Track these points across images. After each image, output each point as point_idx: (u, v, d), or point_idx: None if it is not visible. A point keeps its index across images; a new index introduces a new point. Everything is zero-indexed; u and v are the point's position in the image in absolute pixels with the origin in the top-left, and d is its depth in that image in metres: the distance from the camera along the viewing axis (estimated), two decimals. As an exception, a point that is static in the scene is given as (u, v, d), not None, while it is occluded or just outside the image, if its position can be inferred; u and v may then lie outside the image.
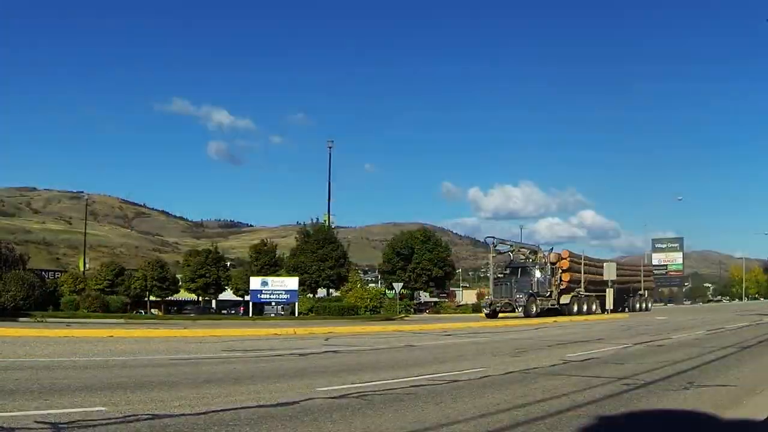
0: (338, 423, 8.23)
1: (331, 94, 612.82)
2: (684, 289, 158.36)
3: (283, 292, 57.87)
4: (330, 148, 64.00)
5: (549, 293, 53.80)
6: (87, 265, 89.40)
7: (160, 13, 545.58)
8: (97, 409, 8.47)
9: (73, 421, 7.63)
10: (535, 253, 56.95)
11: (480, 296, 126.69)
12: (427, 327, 35.46)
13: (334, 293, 71.51)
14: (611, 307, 59.59)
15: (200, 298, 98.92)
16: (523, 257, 56.92)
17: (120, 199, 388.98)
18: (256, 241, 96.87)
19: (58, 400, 9.19)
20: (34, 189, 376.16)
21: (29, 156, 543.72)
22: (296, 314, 55.02)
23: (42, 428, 7.25)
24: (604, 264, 64.50)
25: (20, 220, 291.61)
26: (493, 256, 56.59)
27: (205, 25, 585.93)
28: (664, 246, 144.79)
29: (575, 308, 54.97)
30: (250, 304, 60.47)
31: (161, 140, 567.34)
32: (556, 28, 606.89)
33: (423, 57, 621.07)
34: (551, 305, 53.71)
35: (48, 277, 63.06)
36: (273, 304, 58.89)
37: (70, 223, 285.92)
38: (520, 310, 49.95)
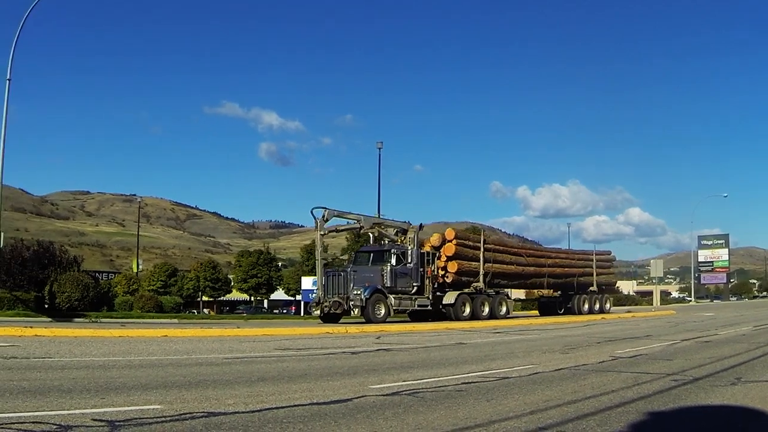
0: (390, 420, 8.21)
1: (380, 96, 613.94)
2: (730, 286, 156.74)
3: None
4: (379, 149, 63.52)
5: (415, 288, 38.70)
6: (140, 267, 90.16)
7: (208, 18, 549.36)
8: (152, 407, 8.53)
9: (129, 419, 7.67)
10: (404, 232, 40.74)
11: (529, 294, 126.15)
12: (476, 325, 35.31)
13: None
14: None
15: (252, 298, 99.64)
16: (390, 239, 42.19)
17: (172, 202, 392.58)
18: (307, 242, 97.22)
19: (114, 398, 9.27)
20: (88, 193, 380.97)
21: (83, 161, 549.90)
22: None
23: (99, 426, 7.30)
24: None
25: (74, 223, 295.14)
26: (322, 234, 38.25)
27: (252, 29, 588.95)
28: (710, 243, 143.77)
29: (466, 310, 40.00)
30: (302, 303, 60.64)
31: (212, 143, 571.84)
32: (600, 29, 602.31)
33: (471, 60, 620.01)
34: (420, 305, 38.86)
35: (102, 279, 63.76)
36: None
37: (123, 226, 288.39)
38: (357, 311, 35.55)
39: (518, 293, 72.82)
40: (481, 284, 41.66)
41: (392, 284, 37.06)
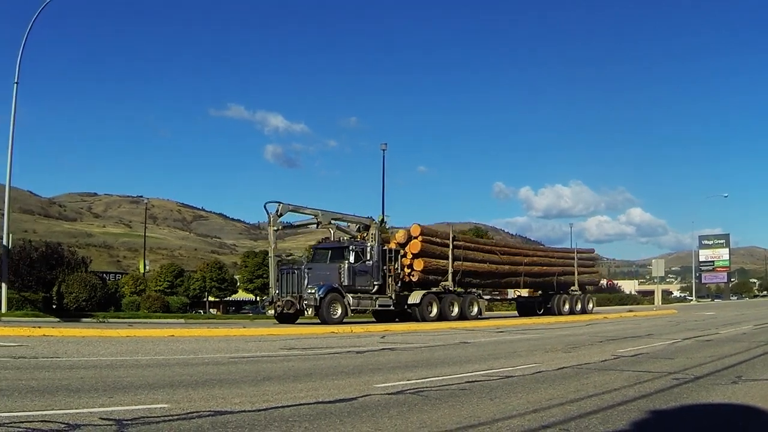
0: (395, 418, 8.24)
1: (384, 98, 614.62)
2: (730, 285, 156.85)
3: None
4: (383, 150, 63.46)
5: (376, 287, 36.17)
6: (147, 267, 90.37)
7: (213, 22, 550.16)
8: (159, 406, 8.56)
9: (137, 418, 7.70)
10: (367, 228, 38.29)
11: (532, 293, 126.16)
12: (480, 324, 35.32)
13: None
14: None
15: (258, 298, 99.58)
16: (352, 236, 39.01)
17: (178, 203, 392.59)
18: (312, 242, 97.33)
19: (122, 397, 9.30)
20: (95, 194, 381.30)
21: (90, 163, 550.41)
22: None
23: (106, 425, 7.33)
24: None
25: (82, 225, 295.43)
26: (275, 230, 36.08)
27: (257, 33, 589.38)
28: (710, 242, 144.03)
29: (432, 310, 37.65)
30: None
31: (218, 145, 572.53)
32: (601, 30, 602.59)
33: (474, 61, 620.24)
34: (382, 305, 36.36)
35: (109, 279, 63.87)
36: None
37: (130, 227, 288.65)
38: (310, 311, 33.33)
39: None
40: (449, 283, 39.29)
41: (350, 283, 34.79)
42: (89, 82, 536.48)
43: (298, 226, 40.63)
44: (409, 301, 37.23)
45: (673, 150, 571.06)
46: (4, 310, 33.07)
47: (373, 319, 38.41)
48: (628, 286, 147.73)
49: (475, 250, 42.85)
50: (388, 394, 10.18)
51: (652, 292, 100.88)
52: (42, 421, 7.35)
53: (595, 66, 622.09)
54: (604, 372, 13.45)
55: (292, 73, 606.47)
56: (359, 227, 38.92)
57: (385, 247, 37.40)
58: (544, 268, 48.08)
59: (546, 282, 48.47)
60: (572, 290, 50.01)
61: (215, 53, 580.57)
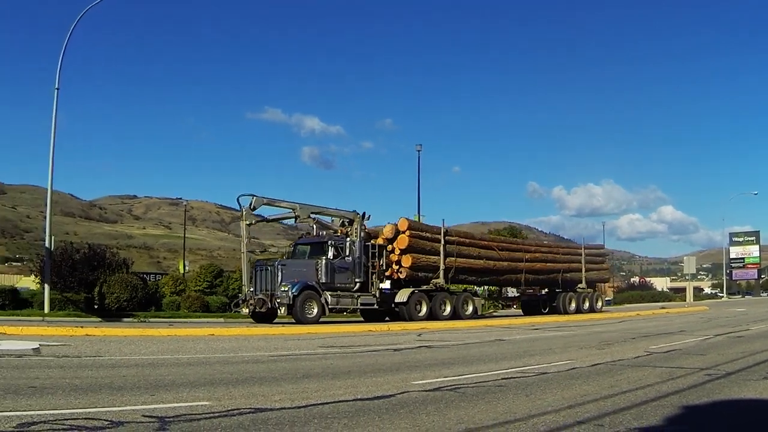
0: (433, 415, 8.23)
1: (418, 100, 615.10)
2: (761, 281, 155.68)
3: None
4: (419, 151, 63.36)
5: (358, 285, 34.09)
6: (187, 268, 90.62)
7: (249, 26, 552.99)
8: (201, 403, 8.58)
9: (179, 415, 7.73)
10: (351, 223, 35.81)
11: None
12: (515, 321, 35.27)
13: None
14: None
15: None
16: (335, 230, 36.99)
17: (217, 205, 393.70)
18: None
19: (164, 395, 9.34)
20: (135, 197, 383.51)
21: (130, 166, 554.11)
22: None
23: (149, 422, 7.35)
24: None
25: (122, 227, 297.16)
26: (248, 224, 33.70)
27: (293, 38, 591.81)
28: (741, 240, 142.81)
29: (422, 309, 35.31)
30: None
31: (256, 147, 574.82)
32: (629, 30, 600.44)
33: (509, 63, 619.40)
34: (364, 303, 34.27)
35: (150, 280, 64.13)
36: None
37: (170, 228, 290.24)
38: (283, 310, 31.11)
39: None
40: (441, 280, 36.93)
41: (328, 280, 32.70)
42: (128, 87, 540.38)
43: (274, 220, 39.99)
44: (396, 300, 35.22)
45: (704, 148, 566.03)
46: (47, 310, 33.24)
47: (361, 319, 36.28)
48: (660, 284, 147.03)
49: (471, 246, 40.35)
50: (426, 390, 10.18)
51: (683, 289, 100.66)
52: (86, 418, 7.39)
53: (625, 65, 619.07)
54: (638, 368, 13.46)
55: (328, 76, 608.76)
56: (343, 222, 36.58)
57: (369, 243, 35.33)
58: (548, 264, 45.36)
59: (550, 279, 45.85)
60: (579, 288, 47.42)
61: (252, 57, 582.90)
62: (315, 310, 31.44)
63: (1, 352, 14.36)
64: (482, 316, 39.89)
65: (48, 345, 16.37)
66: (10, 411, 7.62)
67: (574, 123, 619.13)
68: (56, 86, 37.03)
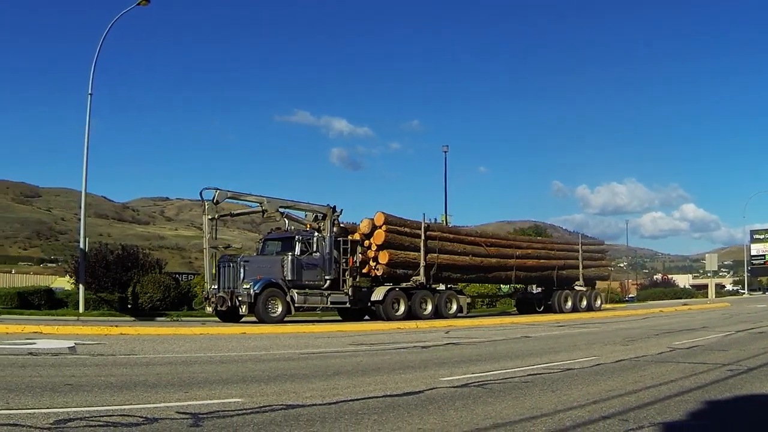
0: (461, 410, 8.25)
1: (444, 102, 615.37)
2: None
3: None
4: (445, 152, 63.24)
5: (328, 282, 31.95)
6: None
7: (276, 30, 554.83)
8: (233, 400, 8.63)
9: (212, 412, 7.77)
10: (325, 218, 33.56)
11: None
12: (540, 319, 35.17)
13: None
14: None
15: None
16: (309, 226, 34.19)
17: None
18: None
19: (197, 392, 9.39)
20: (167, 199, 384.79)
21: (162, 169, 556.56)
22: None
23: (183, 418, 7.40)
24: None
25: (154, 228, 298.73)
26: (210, 219, 31.29)
27: (319, 42, 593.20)
28: (762, 237, 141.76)
29: (399, 308, 33.37)
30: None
31: (284, 149, 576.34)
32: (654, 25, 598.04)
33: (531, 66, 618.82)
34: (335, 302, 32.38)
35: (182, 280, 64.39)
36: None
37: (201, 229, 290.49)
38: (244, 308, 29.05)
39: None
40: (421, 278, 34.86)
41: (295, 277, 30.55)
42: (159, 91, 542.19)
43: (239, 215, 37.95)
44: (372, 298, 33.30)
45: (724, 146, 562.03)
46: (82, 310, 33.30)
47: (338, 318, 34.87)
48: (682, 281, 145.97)
49: (455, 242, 37.92)
50: (454, 387, 10.22)
51: (705, 286, 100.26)
52: (121, 415, 7.45)
53: (642, 64, 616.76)
54: (661, 364, 13.50)
55: (355, 78, 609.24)
56: (316, 217, 34.07)
57: (341, 239, 33.10)
58: (542, 261, 42.93)
59: (544, 276, 43.45)
60: (577, 286, 44.81)
61: (280, 61, 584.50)
62: (279, 309, 29.62)
63: (38, 350, 14.48)
64: (470, 316, 37.97)
65: (83, 344, 16.47)
66: (48, 408, 7.68)
67: (597, 122, 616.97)
68: (89, 91, 37.29)
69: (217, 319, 30.26)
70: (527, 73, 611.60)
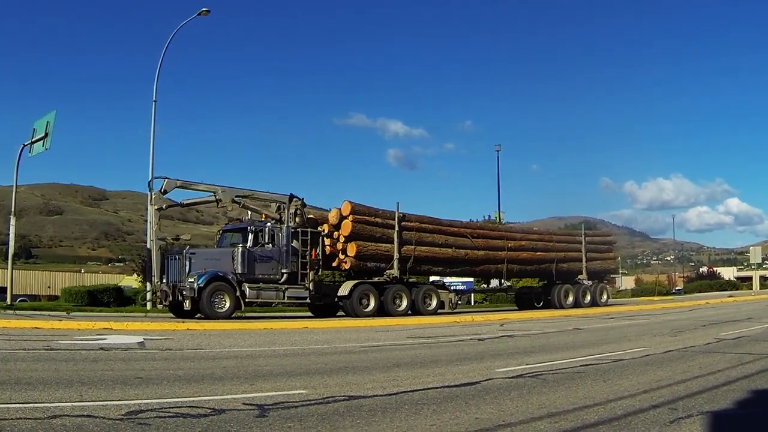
0: (516, 400, 8.28)
1: (496, 103, 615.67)
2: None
3: (460, 284, 57.82)
4: (498, 151, 63.27)
5: (285, 276, 29.58)
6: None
7: (334, 38, 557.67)
8: (297, 392, 8.70)
9: (277, 403, 7.86)
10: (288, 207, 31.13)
11: (638, 282, 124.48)
12: (590, 311, 34.96)
13: (506, 283, 71.13)
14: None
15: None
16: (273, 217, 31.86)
17: (309, 206, 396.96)
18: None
19: (262, 384, 9.49)
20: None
21: (222, 171, 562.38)
22: (472, 303, 54.78)
23: (249, 409, 7.49)
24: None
25: (218, 228, 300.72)
26: (157, 209, 30.01)
27: (376, 46, 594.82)
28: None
29: (369, 304, 31.21)
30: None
31: (343, 150, 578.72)
32: (699, 22, 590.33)
33: (579, 66, 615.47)
34: (293, 297, 29.97)
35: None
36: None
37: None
38: (187, 303, 27.11)
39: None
40: (395, 271, 32.25)
41: (246, 270, 28.42)
42: (219, 98, 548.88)
43: (189, 205, 35.23)
44: (339, 293, 31.16)
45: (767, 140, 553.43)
46: (149, 307, 33.61)
47: (308, 314, 32.95)
48: (727, 273, 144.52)
49: (434, 233, 34.96)
50: (509, 377, 10.24)
51: (750, 278, 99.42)
52: (190, 406, 7.55)
53: (688, 62, 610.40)
54: (708, 354, 13.48)
55: (410, 82, 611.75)
56: (279, 206, 31.74)
57: (300, 229, 30.76)
58: (538, 254, 39.88)
59: (542, 270, 41.01)
60: (580, 279, 41.98)
61: (338, 66, 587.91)
62: (227, 304, 27.56)
63: (109, 345, 14.69)
64: (456, 312, 34.87)
65: (152, 339, 16.69)
66: (119, 400, 7.81)
67: (644, 120, 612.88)
68: (153, 99, 37.89)
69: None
70: (575, 73, 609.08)
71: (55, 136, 32.86)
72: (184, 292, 26.98)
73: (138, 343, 15.56)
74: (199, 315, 27.05)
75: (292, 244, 30.06)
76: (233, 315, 27.59)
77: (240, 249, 28.39)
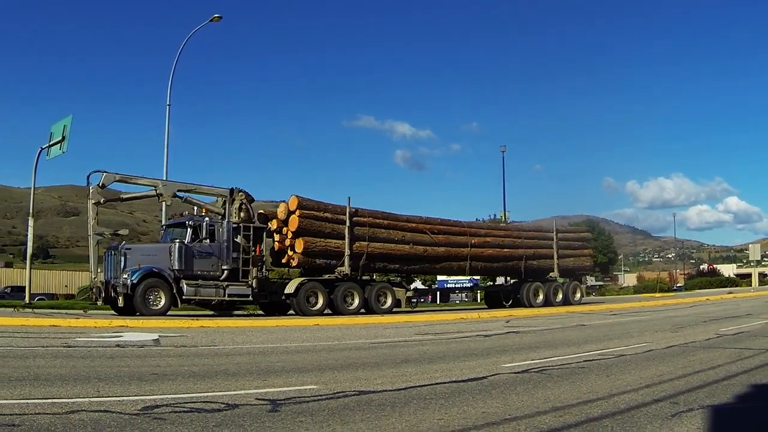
0: (522, 395, 8.30)
1: (501, 105, 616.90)
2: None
3: (467, 281, 57.86)
4: (503, 152, 63.31)
5: (226, 273, 28.27)
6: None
7: (343, 43, 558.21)
8: (309, 387, 8.74)
9: (289, 398, 7.88)
10: (233, 203, 29.82)
11: (640, 279, 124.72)
12: (594, 308, 34.95)
13: (511, 281, 71.11)
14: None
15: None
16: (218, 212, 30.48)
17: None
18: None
19: (274, 380, 9.54)
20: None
21: (234, 173, 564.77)
22: (478, 300, 54.78)
23: (262, 404, 7.52)
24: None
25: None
26: (95, 203, 27.97)
27: (384, 50, 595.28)
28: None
29: (317, 302, 29.79)
30: (438, 292, 60.45)
31: (351, 152, 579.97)
32: (694, 27, 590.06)
33: (582, 68, 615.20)
34: (234, 294, 28.48)
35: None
36: (457, 292, 59.20)
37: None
38: (121, 300, 25.93)
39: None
40: (346, 268, 30.71)
41: (184, 266, 27.10)
42: (231, 101, 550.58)
43: (129, 199, 34.64)
44: (285, 291, 29.67)
45: (766, 139, 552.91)
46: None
47: (262, 312, 32.10)
48: (727, 270, 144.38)
49: (390, 228, 33.11)
50: (515, 373, 10.26)
51: (749, 275, 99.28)
52: (204, 401, 7.58)
53: (686, 62, 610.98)
54: (709, 349, 13.53)
55: (417, 84, 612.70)
56: (225, 201, 30.05)
57: (243, 225, 29.22)
58: (505, 250, 37.76)
59: (509, 267, 38.77)
60: (550, 277, 39.82)
61: (346, 69, 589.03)
62: (162, 302, 26.41)
63: (125, 342, 14.73)
64: (414, 311, 33.88)
65: (167, 336, 16.72)
66: (135, 395, 7.85)
67: (645, 120, 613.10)
68: (167, 102, 38.03)
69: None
70: (578, 75, 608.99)
71: (71, 139, 32.84)
72: (118, 289, 25.94)
73: (153, 340, 15.59)
74: (138, 313, 25.48)
75: (235, 240, 28.85)
76: (168, 312, 26.39)
77: (177, 244, 27.21)
